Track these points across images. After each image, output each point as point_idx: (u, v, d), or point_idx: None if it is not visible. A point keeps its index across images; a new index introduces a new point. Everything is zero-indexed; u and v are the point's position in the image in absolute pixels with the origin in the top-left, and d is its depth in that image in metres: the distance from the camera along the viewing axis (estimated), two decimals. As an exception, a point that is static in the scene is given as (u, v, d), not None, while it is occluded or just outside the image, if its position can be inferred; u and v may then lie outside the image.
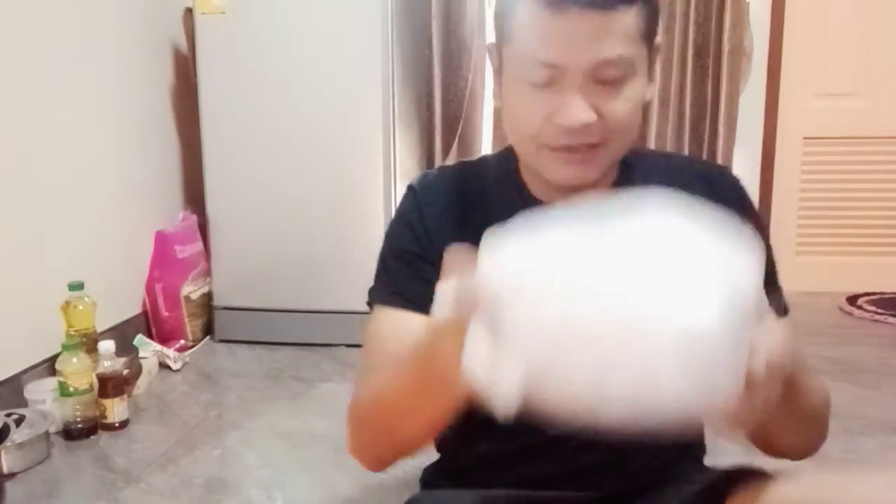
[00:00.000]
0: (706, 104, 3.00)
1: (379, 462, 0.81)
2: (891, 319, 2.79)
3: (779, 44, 3.06)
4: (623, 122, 0.76)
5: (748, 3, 2.94)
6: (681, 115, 3.01)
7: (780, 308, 0.78)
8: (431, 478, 0.99)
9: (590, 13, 0.70)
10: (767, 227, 0.96)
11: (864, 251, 3.17)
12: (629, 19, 0.72)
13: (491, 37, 0.84)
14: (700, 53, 2.97)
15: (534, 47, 0.73)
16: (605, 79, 0.73)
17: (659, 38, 0.79)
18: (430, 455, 0.98)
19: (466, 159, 0.95)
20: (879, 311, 2.87)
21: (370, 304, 0.88)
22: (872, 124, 3.06)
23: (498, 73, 0.82)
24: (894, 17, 3.00)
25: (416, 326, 0.80)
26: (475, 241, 0.78)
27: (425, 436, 0.73)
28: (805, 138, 3.13)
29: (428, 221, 0.87)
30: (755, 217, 0.87)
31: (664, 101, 2.98)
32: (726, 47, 2.91)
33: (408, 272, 0.86)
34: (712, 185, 0.85)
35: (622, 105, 0.75)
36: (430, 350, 0.62)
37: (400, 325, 0.82)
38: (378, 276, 0.90)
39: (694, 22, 2.94)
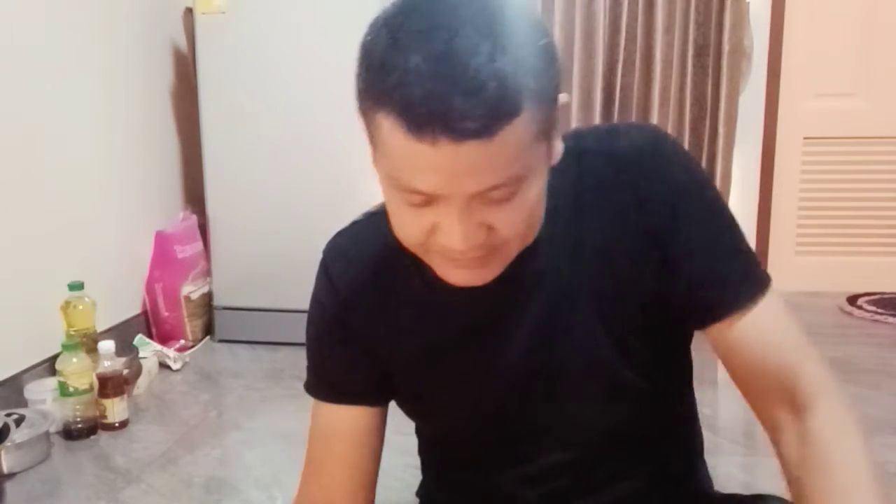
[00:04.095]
0: (706, 104, 2.99)
1: None
2: (891, 319, 2.79)
3: (779, 44, 3.06)
4: (519, 230, 0.65)
5: (748, 3, 2.94)
6: (681, 115, 3.01)
7: (755, 279, 0.72)
8: (425, 493, 0.99)
9: (466, 143, 0.56)
10: (715, 196, 0.75)
11: (864, 251, 3.17)
12: (517, 133, 0.57)
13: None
14: (700, 53, 2.97)
15: (403, 174, 0.60)
16: (492, 199, 0.61)
17: (564, 97, 0.64)
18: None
19: (373, 210, 0.82)
20: (879, 311, 2.87)
21: (308, 391, 0.86)
22: (872, 124, 3.06)
23: (370, 143, 0.65)
24: (894, 18, 3.00)
25: (350, 422, 0.81)
26: (399, 317, 0.78)
27: None
28: (805, 138, 3.13)
29: (345, 302, 0.80)
30: (700, 198, 0.73)
31: (664, 101, 2.98)
32: (726, 47, 2.91)
33: (332, 359, 0.83)
34: (626, 172, 0.72)
35: (516, 215, 0.63)
36: None
37: (337, 423, 0.82)
38: (308, 363, 0.86)
39: (694, 22, 2.93)
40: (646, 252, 0.72)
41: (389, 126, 0.58)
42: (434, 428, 0.88)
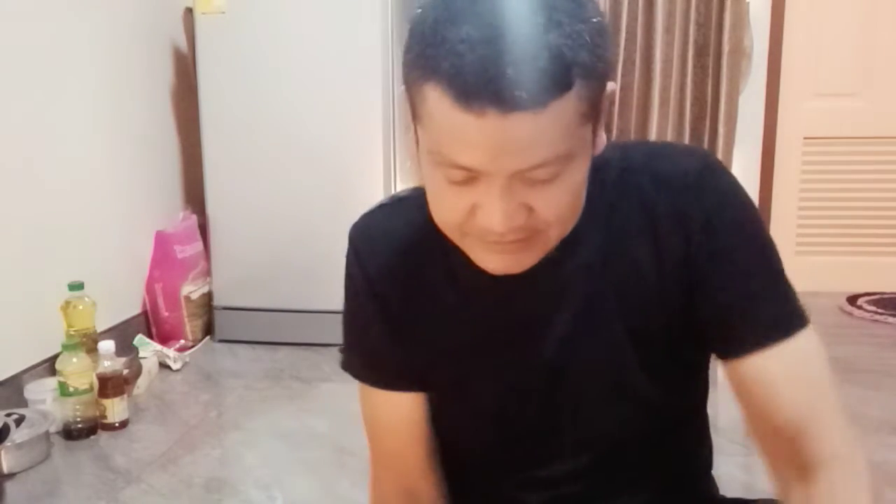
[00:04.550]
0: (706, 104, 3.00)
1: None
2: (891, 319, 2.79)
3: (779, 44, 3.06)
4: (559, 213, 0.63)
5: (748, 3, 2.94)
6: (681, 115, 3.01)
7: (790, 317, 0.71)
8: None
9: (515, 115, 0.55)
10: (760, 226, 0.76)
11: (864, 251, 3.17)
12: (566, 109, 0.57)
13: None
14: (700, 53, 2.97)
15: (447, 148, 0.59)
16: (535, 179, 0.60)
17: (612, 85, 0.63)
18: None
19: (403, 195, 0.82)
20: (879, 311, 2.87)
21: (346, 370, 0.85)
22: (872, 124, 3.06)
23: (414, 119, 0.65)
24: (894, 17, 3.00)
25: (413, 409, 0.80)
26: (432, 297, 0.77)
27: None
28: (805, 138, 3.13)
29: (375, 282, 0.78)
30: (743, 224, 0.72)
31: (664, 101, 2.98)
32: (726, 47, 2.91)
33: (380, 347, 0.81)
34: (675, 197, 0.70)
35: (558, 197, 0.62)
36: None
37: (387, 409, 0.82)
38: (346, 342, 0.85)
39: (694, 22, 2.94)
40: (681, 276, 0.70)
41: (437, 97, 0.57)
42: (444, 424, 0.87)
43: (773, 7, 3.03)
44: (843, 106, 3.07)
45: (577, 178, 0.63)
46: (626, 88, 3.00)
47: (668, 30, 2.93)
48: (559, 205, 0.62)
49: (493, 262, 0.66)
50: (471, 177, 0.60)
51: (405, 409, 0.81)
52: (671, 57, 2.95)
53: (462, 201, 0.62)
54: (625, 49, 2.96)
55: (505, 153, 0.57)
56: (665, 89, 2.97)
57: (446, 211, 0.65)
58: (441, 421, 0.86)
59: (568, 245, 0.70)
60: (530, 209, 0.61)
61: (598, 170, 0.69)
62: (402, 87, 0.64)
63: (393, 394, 0.81)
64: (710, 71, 2.97)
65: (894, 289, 3.09)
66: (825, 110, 3.09)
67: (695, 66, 2.98)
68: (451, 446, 0.87)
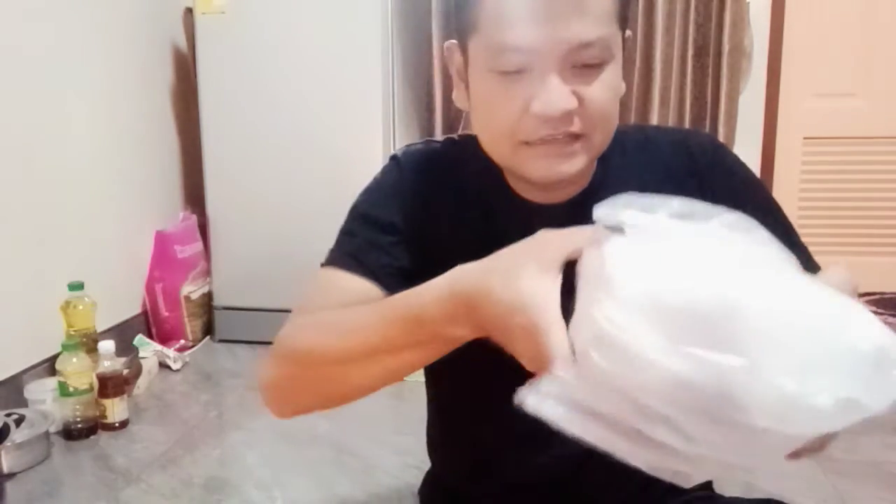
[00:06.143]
0: (706, 104, 2.99)
1: (294, 408, 0.74)
2: (891, 319, 2.79)
3: (779, 44, 3.06)
4: (604, 110, 0.71)
5: (748, 3, 2.94)
6: (681, 115, 3.01)
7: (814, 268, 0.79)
8: (427, 490, 0.98)
9: None
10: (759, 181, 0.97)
11: (864, 251, 3.17)
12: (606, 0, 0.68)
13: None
14: (700, 53, 2.97)
15: (504, 31, 0.67)
16: (583, 62, 0.68)
17: (629, 32, 0.75)
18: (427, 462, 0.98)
19: (455, 136, 0.87)
20: (879, 311, 2.87)
21: (323, 264, 0.82)
22: (872, 124, 3.06)
23: (461, 74, 0.76)
24: (894, 18, 3.00)
25: (367, 294, 0.74)
26: (459, 233, 0.78)
27: (373, 389, 0.68)
28: (805, 138, 3.13)
29: (411, 201, 0.80)
30: (751, 178, 0.87)
31: (664, 101, 2.98)
32: (726, 47, 2.91)
33: (375, 240, 0.79)
34: (695, 162, 0.81)
35: (603, 90, 0.69)
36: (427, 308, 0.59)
37: (349, 288, 0.76)
38: (338, 242, 0.83)
39: (694, 22, 2.93)
40: None
41: None
42: (459, 374, 0.81)
43: (773, 7, 3.03)
44: (843, 106, 3.07)
45: (615, 79, 0.71)
46: (626, 88, 3.00)
47: (668, 30, 2.93)
48: (603, 98, 0.70)
49: (542, 167, 0.72)
50: (526, 63, 0.67)
51: (365, 292, 0.75)
52: (671, 57, 2.95)
53: (516, 98, 0.69)
54: (625, 49, 2.96)
55: (559, 27, 0.65)
56: (665, 89, 2.97)
57: (500, 113, 0.71)
58: (455, 364, 0.84)
59: (594, 198, 0.72)
60: (580, 100, 0.68)
61: (618, 136, 0.76)
62: (449, 42, 0.76)
63: (361, 279, 0.76)
64: (710, 71, 2.97)
65: (894, 289, 3.09)
66: (825, 110, 3.09)
67: (695, 66, 2.98)
68: (457, 406, 0.87)
